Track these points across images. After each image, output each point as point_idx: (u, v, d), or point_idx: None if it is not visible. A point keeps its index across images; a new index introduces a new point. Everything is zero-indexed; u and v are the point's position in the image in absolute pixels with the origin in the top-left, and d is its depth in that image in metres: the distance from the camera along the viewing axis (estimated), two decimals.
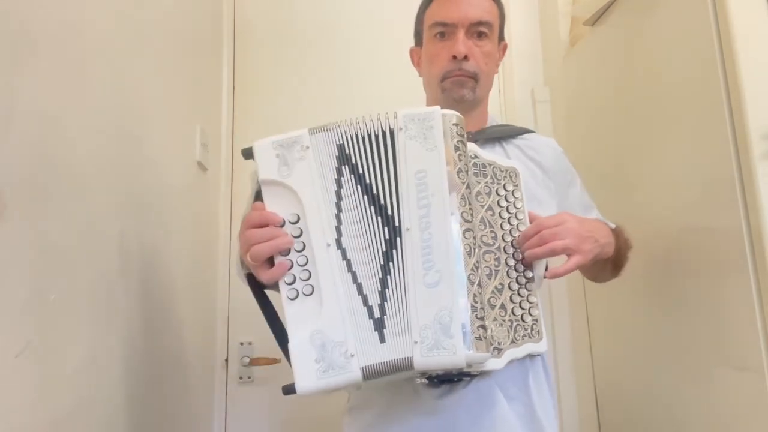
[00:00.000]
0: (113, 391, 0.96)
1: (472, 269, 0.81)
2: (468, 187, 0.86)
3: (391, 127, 0.87)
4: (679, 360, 1.15)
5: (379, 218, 0.84)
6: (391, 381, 0.85)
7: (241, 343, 1.64)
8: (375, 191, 0.86)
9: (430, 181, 0.83)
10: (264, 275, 0.84)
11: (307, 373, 0.78)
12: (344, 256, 0.83)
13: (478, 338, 0.78)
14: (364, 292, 0.82)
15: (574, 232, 0.90)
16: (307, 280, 0.82)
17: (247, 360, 1.61)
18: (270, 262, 0.84)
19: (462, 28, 1.07)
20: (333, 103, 1.78)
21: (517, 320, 0.87)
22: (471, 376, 0.90)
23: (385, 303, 0.81)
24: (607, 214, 1.17)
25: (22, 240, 0.74)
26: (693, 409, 1.11)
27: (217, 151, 1.66)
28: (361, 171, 0.86)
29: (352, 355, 0.78)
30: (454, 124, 0.86)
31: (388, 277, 0.82)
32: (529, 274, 0.90)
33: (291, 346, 0.80)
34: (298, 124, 1.95)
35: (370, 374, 0.79)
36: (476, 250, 0.84)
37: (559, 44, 1.73)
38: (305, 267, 0.82)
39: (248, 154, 0.89)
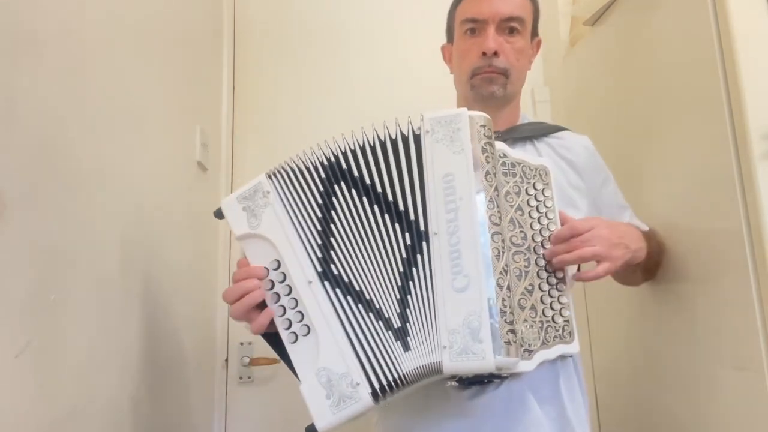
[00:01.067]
0: (113, 391, 0.96)
1: (500, 273, 0.81)
2: (496, 189, 0.85)
3: (417, 130, 0.86)
4: (679, 360, 1.15)
5: (397, 225, 0.83)
6: (419, 387, 0.84)
7: (241, 343, 1.64)
8: (391, 198, 0.84)
9: (458, 185, 0.82)
10: (252, 328, 0.85)
11: (322, 411, 0.80)
12: (337, 284, 0.83)
13: (508, 343, 0.78)
14: (377, 307, 0.82)
15: (605, 238, 0.89)
16: (301, 321, 0.83)
17: (247, 360, 1.61)
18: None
19: (492, 23, 1.05)
20: (333, 102, 1.78)
21: (548, 321, 0.86)
22: (501, 377, 0.89)
23: (407, 310, 0.81)
24: None
25: (22, 240, 0.74)
26: (693, 409, 1.11)
27: (217, 151, 1.66)
28: (368, 182, 0.85)
29: (358, 384, 0.79)
30: (481, 126, 0.85)
31: (411, 283, 0.82)
32: (560, 274, 0.88)
33: (302, 388, 0.81)
34: (298, 124, 1.95)
35: (391, 389, 0.79)
36: (505, 254, 0.83)
37: (559, 44, 1.73)
38: (296, 309, 0.84)
39: (219, 214, 0.90)
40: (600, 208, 1.08)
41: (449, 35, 1.17)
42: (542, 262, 0.88)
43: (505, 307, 0.79)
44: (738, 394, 0.98)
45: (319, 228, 0.85)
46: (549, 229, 0.89)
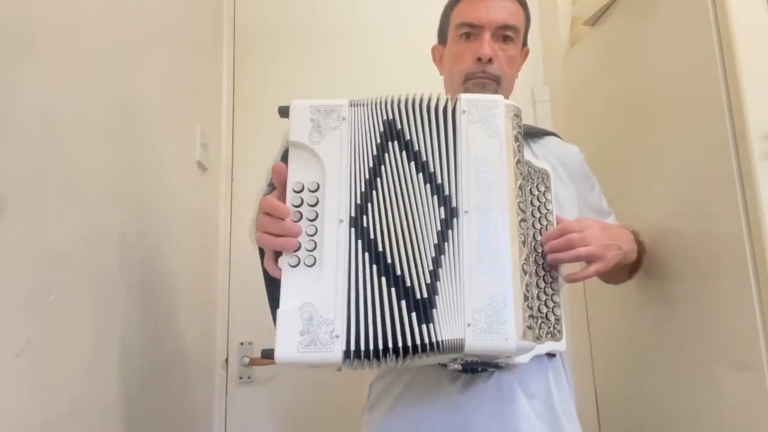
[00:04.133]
0: (113, 391, 0.96)
1: (525, 259, 0.82)
2: (524, 178, 0.86)
3: (454, 108, 0.86)
4: (679, 360, 1.15)
5: (435, 197, 0.82)
6: (403, 367, 0.83)
7: (241, 343, 1.64)
8: (432, 170, 0.83)
9: (491, 168, 0.83)
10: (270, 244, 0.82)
11: (289, 343, 0.76)
12: (361, 236, 0.81)
13: (529, 327, 0.79)
14: (397, 273, 0.79)
15: (599, 238, 0.91)
16: (312, 251, 0.80)
17: (247, 360, 1.61)
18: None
19: (488, 30, 1.06)
20: None
21: (542, 317, 0.87)
22: (498, 367, 0.90)
23: (438, 283, 0.79)
24: None
25: (22, 240, 0.74)
26: (693, 409, 1.11)
27: (217, 151, 1.66)
28: (417, 148, 0.84)
29: (338, 336, 0.77)
30: (515, 115, 0.86)
31: (442, 257, 0.80)
32: (555, 274, 0.90)
33: (279, 312, 0.78)
34: None
35: (357, 356, 0.77)
36: (529, 241, 0.84)
37: (559, 44, 1.73)
38: (312, 237, 0.81)
39: (284, 112, 0.88)
40: (586, 213, 1.10)
41: (441, 36, 1.18)
42: (540, 260, 0.90)
43: (528, 292, 0.80)
44: (738, 395, 0.98)
45: (367, 177, 0.84)
46: (547, 230, 0.92)
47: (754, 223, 0.94)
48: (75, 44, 0.89)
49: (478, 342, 0.76)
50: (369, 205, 0.82)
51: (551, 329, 0.88)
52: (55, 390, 0.80)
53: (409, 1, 1.87)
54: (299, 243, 0.81)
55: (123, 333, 1.01)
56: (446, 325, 0.77)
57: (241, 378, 1.63)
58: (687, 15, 1.10)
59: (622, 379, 1.41)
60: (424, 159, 0.84)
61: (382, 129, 0.86)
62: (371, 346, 0.77)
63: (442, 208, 0.82)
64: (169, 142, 1.30)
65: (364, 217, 0.82)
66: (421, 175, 0.83)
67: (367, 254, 0.80)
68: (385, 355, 0.78)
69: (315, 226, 0.81)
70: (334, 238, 0.80)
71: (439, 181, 0.83)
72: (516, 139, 0.85)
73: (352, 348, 0.77)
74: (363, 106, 0.87)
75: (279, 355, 0.76)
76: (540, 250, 0.90)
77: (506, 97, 1.10)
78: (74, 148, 0.87)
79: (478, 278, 0.78)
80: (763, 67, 0.97)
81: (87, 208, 0.90)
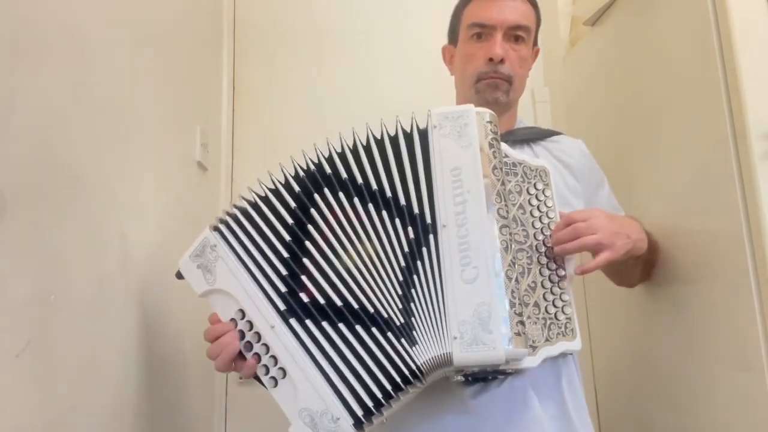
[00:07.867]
0: (113, 391, 0.96)
1: (509, 265, 0.81)
2: (503, 184, 0.86)
3: (423, 126, 0.87)
4: (679, 360, 1.15)
5: (398, 220, 0.83)
6: (413, 395, 0.84)
7: None
8: (389, 195, 0.84)
9: (466, 178, 0.83)
10: (244, 375, 0.86)
11: None
12: (307, 314, 0.83)
13: (517, 334, 0.78)
14: (371, 312, 0.81)
15: (605, 227, 0.90)
16: (276, 365, 0.83)
17: None
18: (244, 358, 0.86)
19: (500, 30, 1.06)
20: (332, 102, 1.77)
21: (550, 318, 0.86)
22: (506, 374, 0.90)
23: (412, 304, 0.80)
24: None
25: (22, 240, 0.74)
26: (693, 409, 1.11)
27: (217, 151, 1.66)
28: (361, 181, 0.85)
29: (338, 418, 0.79)
30: (488, 122, 0.87)
31: (415, 276, 0.81)
32: (561, 272, 0.89)
33: (291, 430, 0.81)
34: (298, 124, 1.95)
35: (368, 416, 0.79)
36: (512, 246, 0.83)
37: (559, 44, 1.73)
38: (269, 354, 0.84)
39: (179, 276, 0.91)
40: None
41: (452, 36, 1.17)
42: (544, 260, 0.89)
43: (514, 298, 0.80)
44: (738, 395, 0.98)
45: (286, 255, 0.85)
46: (549, 228, 0.91)
47: (754, 223, 0.94)
48: (75, 44, 0.89)
49: (465, 354, 0.77)
50: (304, 278, 0.84)
51: (562, 329, 0.86)
52: (54, 390, 0.80)
53: (411, 0, 1.87)
54: (266, 366, 0.83)
55: (123, 333, 1.01)
56: (431, 343, 0.79)
57: (241, 378, 1.63)
58: (687, 15, 1.10)
59: (622, 380, 1.41)
60: (375, 188, 0.84)
61: (297, 189, 0.87)
62: (378, 397, 0.79)
63: (410, 229, 0.83)
64: (169, 142, 1.29)
65: (302, 294, 0.83)
66: (371, 205, 0.84)
67: (325, 322, 0.82)
68: (396, 392, 0.79)
69: (264, 345, 0.84)
70: (279, 344, 0.83)
71: (403, 203, 0.84)
72: (491, 145, 0.85)
73: (359, 414, 0.79)
74: (227, 218, 0.90)
75: None
76: (543, 250, 0.89)
77: (517, 97, 1.12)
78: (74, 148, 0.87)
79: (461, 290, 0.79)
80: (763, 67, 0.97)
81: (87, 208, 0.90)
